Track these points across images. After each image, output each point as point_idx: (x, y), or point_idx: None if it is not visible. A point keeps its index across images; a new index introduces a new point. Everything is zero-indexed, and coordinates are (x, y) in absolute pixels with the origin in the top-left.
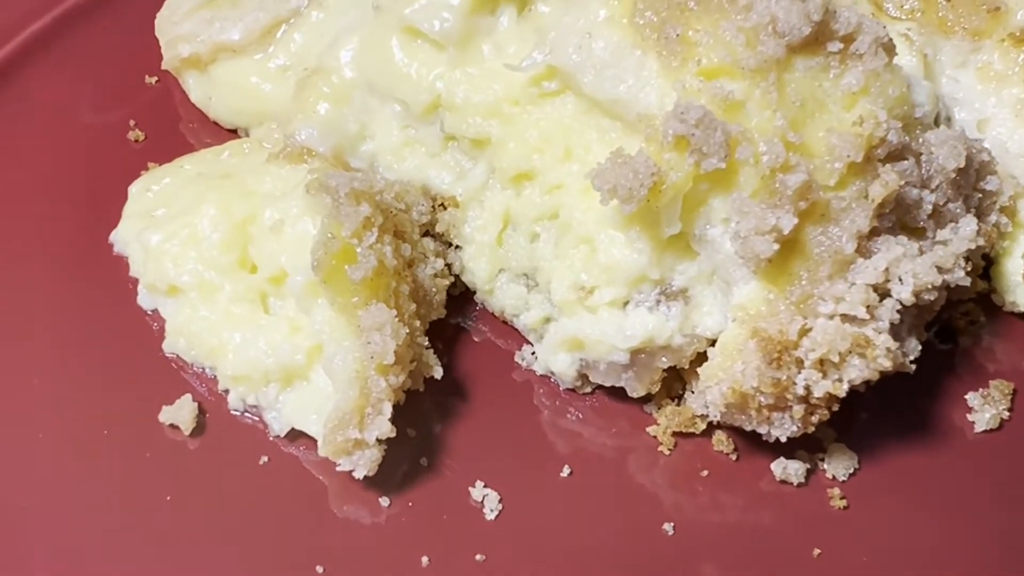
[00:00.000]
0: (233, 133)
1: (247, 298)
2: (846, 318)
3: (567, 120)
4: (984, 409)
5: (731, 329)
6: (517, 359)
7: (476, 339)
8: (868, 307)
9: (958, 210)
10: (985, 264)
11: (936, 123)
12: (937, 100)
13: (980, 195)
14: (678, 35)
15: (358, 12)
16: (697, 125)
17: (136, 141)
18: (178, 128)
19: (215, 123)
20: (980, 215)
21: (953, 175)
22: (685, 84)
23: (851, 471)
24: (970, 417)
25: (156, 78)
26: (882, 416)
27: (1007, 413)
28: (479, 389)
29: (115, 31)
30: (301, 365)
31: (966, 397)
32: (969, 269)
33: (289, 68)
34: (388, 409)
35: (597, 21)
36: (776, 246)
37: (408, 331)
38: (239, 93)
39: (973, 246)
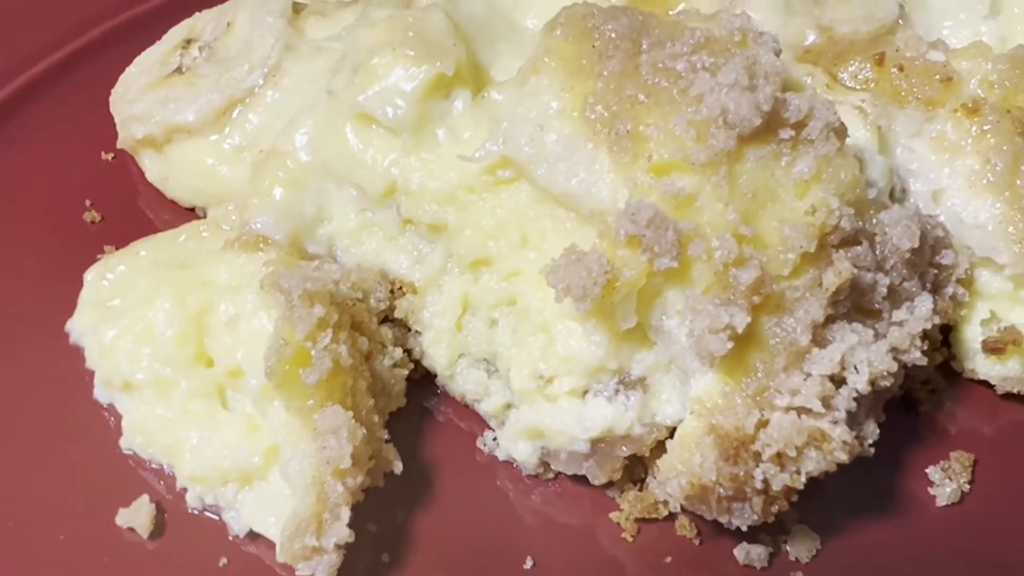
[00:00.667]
0: (192, 211)
1: (204, 393)
2: (802, 411)
3: (522, 208)
4: (945, 484)
5: (688, 421)
6: (479, 444)
7: (440, 419)
8: (824, 399)
9: (913, 288)
10: (944, 332)
11: (892, 195)
12: (891, 174)
13: (936, 270)
14: (628, 130)
15: (314, 93)
16: (648, 225)
17: (92, 223)
18: (136, 206)
19: (172, 202)
20: (936, 289)
21: (908, 255)
22: (636, 180)
23: (814, 552)
24: (931, 491)
25: (112, 155)
26: (843, 494)
27: (967, 486)
28: (441, 475)
29: (68, 106)
30: (259, 466)
31: (927, 471)
32: (926, 348)
33: (245, 149)
34: (346, 514)
35: (549, 113)
36: (730, 344)
37: (366, 430)
38: (195, 174)
39: (929, 325)
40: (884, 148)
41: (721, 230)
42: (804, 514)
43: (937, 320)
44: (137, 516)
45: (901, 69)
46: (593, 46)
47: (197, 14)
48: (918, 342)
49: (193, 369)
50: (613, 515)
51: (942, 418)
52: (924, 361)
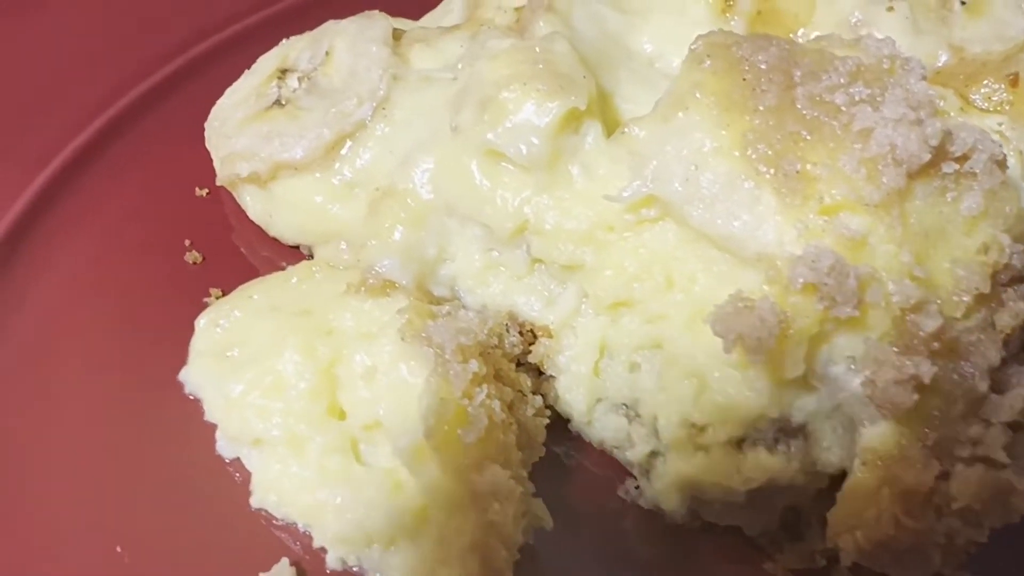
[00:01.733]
0: (294, 248)
1: (338, 448)
2: (986, 461)
3: (669, 248)
4: None
5: (860, 472)
6: (620, 492)
7: (573, 465)
8: (1007, 447)
9: None
10: None
11: None
12: None
13: None
14: (797, 171)
15: (427, 125)
16: (829, 273)
17: (194, 263)
18: (235, 246)
19: (274, 239)
20: None
21: None
22: (807, 223)
23: None
24: None
25: (207, 190)
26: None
27: None
28: (586, 525)
29: (157, 139)
30: (408, 527)
31: None
32: None
33: (356, 185)
34: None
35: (703, 151)
36: (916, 396)
37: (522, 489)
38: (303, 212)
39: None
40: None
41: (897, 274)
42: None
43: None
44: None
45: None
46: (744, 79)
47: (285, 41)
48: None
49: (327, 423)
50: (767, 566)
51: None
52: None
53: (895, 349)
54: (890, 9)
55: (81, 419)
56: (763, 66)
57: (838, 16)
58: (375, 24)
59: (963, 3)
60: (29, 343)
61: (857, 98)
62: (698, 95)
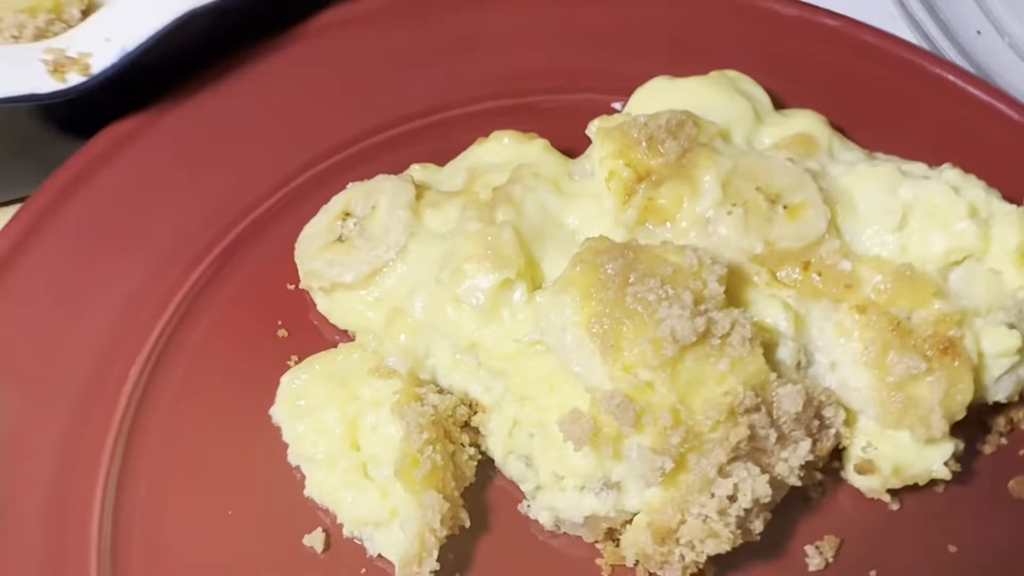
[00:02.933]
0: (345, 331)
1: (355, 469)
2: (707, 517)
3: (551, 370)
4: (815, 557)
5: (640, 515)
6: (521, 508)
7: (500, 486)
8: (720, 511)
9: (798, 435)
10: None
11: (801, 363)
12: (799, 352)
13: (819, 422)
14: (612, 344)
15: (427, 271)
16: (619, 405)
17: (283, 337)
18: (312, 325)
19: (333, 324)
20: (821, 431)
21: (794, 415)
22: (614, 375)
23: None
24: (806, 560)
25: (295, 286)
26: (749, 559)
27: (832, 559)
28: (497, 525)
29: (267, 247)
30: (386, 519)
31: (804, 548)
32: (802, 474)
33: (382, 300)
34: (436, 553)
35: (568, 322)
36: (661, 478)
37: (449, 504)
38: (350, 313)
39: (804, 460)
40: (801, 329)
41: (665, 407)
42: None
43: (811, 456)
44: (315, 539)
45: (819, 274)
46: (599, 278)
47: (351, 185)
48: (798, 471)
49: (350, 453)
50: (598, 560)
51: (824, 509)
52: (799, 483)
53: (654, 451)
54: (729, 213)
55: (211, 435)
56: (611, 271)
57: (696, 213)
58: (404, 191)
59: (784, 208)
60: (180, 384)
61: (663, 296)
62: (570, 287)
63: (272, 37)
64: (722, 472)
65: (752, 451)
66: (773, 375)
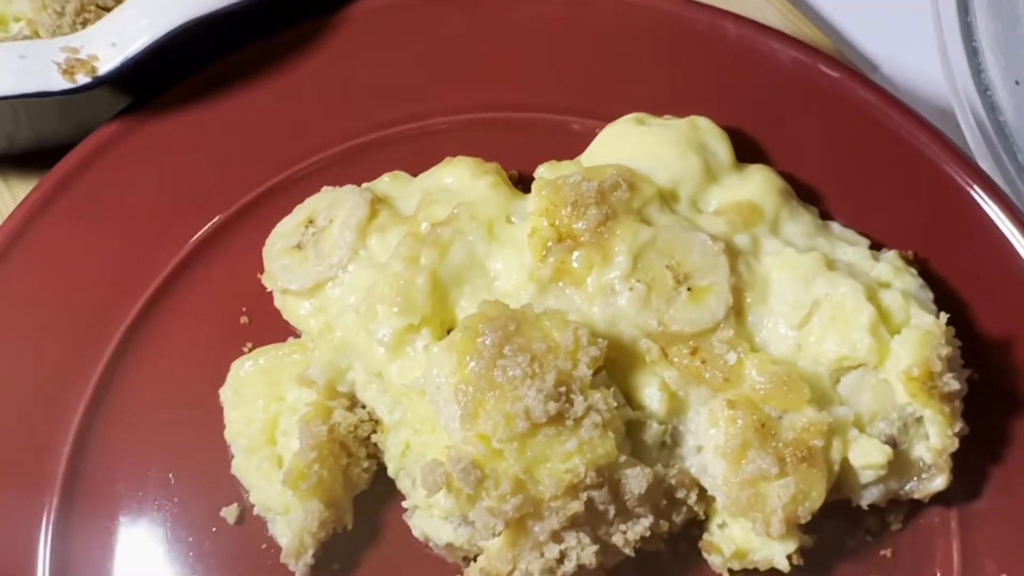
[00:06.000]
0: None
1: (270, 459)
2: (532, 574)
3: (431, 411)
4: None
5: (482, 556)
6: (404, 516)
7: (391, 496)
8: (547, 570)
9: (640, 512)
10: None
11: (667, 443)
12: (664, 433)
13: (667, 501)
14: (470, 412)
15: (359, 296)
16: (463, 469)
17: (243, 324)
18: (273, 318)
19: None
20: (673, 509)
21: (639, 494)
22: (468, 439)
23: None
24: None
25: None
26: None
27: None
28: (386, 527)
29: (243, 242)
30: (283, 511)
31: None
32: (638, 547)
33: (321, 311)
34: (311, 551)
35: (443, 379)
36: (492, 537)
37: (332, 509)
38: (294, 317)
39: (642, 536)
40: (678, 410)
41: (507, 476)
42: None
43: (650, 533)
44: (231, 512)
45: (704, 362)
46: (476, 346)
47: (325, 189)
48: (634, 543)
49: (266, 447)
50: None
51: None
52: (632, 554)
53: (491, 513)
54: (631, 289)
55: (168, 406)
56: (488, 342)
57: (603, 283)
58: (358, 210)
59: (689, 289)
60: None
61: (528, 374)
62: (450, 348)
63: (272, 37)
64: (555, 538)
65: (591, 519)
66: (623, 456)
